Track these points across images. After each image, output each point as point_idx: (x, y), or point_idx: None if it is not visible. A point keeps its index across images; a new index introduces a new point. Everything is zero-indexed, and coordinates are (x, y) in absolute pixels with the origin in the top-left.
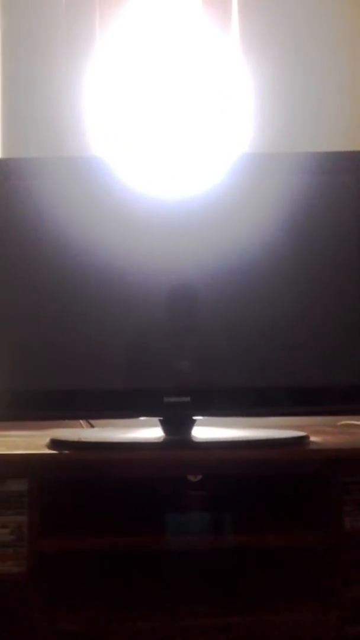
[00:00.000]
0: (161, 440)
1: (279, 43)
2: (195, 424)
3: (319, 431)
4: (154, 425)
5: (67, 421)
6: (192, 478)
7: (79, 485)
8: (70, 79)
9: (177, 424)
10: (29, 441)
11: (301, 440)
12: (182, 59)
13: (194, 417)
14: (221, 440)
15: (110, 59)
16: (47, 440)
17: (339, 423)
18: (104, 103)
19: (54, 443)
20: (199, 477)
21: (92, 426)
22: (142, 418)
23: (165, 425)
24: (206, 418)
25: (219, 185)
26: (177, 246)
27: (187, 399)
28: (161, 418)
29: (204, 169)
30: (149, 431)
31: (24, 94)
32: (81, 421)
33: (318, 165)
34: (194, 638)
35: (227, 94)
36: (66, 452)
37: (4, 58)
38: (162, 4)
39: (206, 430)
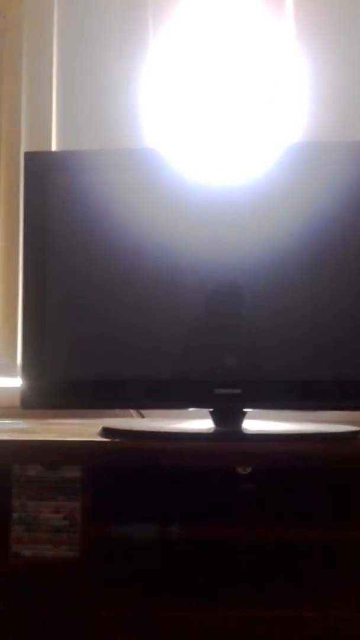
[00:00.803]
0: (212, 431)
1: (335, 28)
2: (245, 416)
3: None
4: (205, 418)
5: (117, 412)
6: (242, 470)
7: (131, 473)
8: (124, 71)
9: (228, 416)
10: (81, 429)
11: (354, 435)
12: (235, 47)
13: (245, 410)
14: (272, 432)
15: (164, 49)
16: (99, 428)
17: None
18: (158, 94)
19: (106, 431)
20: (249, 469)
21: (142, 416)
22: (192, 410)
23: (215, 416)
24: (257, 411)
25: (274, 177)
26: (231, 238)
27: (238, 390)
28: (211, 409)
29: (259, 160)
30: (200, 422)
31: (78, 87)
32: (132, 411)
33: None
34: (239, 628)
35: (282, 82)
36: (118, 440)
37: (59, 52)
38: None
39: (257, 423)
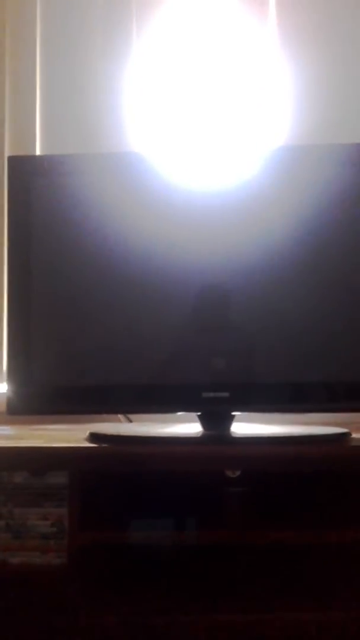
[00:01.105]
0: (200, 435)
1: (318, 31)
2: (234, 419)
3: None
4: (193, 422)
5: (105, 416)
6: (230, 474)
7: (119, 479)
8: (109, 73)
9: (216, 420)
10: (68, 435)
11: (342, 437)
12: (219, 51)
13: (233, 413)
14: (260, 436)
15: (148, 53)
16: (87, 433)
17: None
18: (143, 98)
19: (94, 436)
20: (238, 473)
21: (130, 421)
22: (180, 414)
23: (203, 420)
24: (245, 414)
25: (258, 180)
26: (217, 241)
27: (226, 394)
28: (199, 413)
29: (243, 163)
30: (188, 426)
31: (62, 90)
32: (119, 416)
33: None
34: (237, 634)
35: (266, 85)
36: (105, 445)
37: (42, 55)
38: None
39: (245, 426)
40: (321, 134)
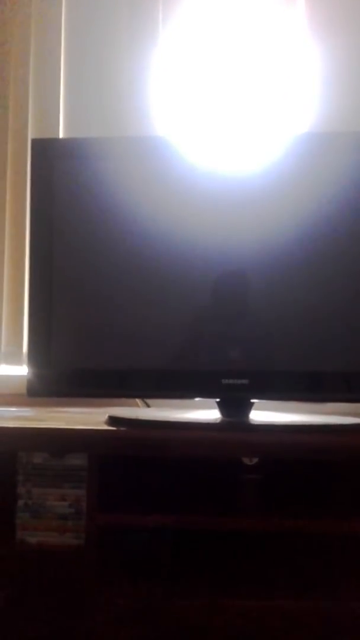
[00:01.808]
0: (218, 421)
1: (347, 16)
2: (253, 407)
3: None
4: (211, 408)
5: (123, 401)
6: (248, 461)
7: (137, 462)
8: (133, 58)
9: (235, 406)
10: (87, 417)
11: None
12: (246, 36)
13: (252, 400)
14: (279, 423)
15: (174, 36)
16: (105, 417)
17: None
18: (167, 82)
19: (113, 420)
20: (255, 460)
21: (148, 406)
22: (198, 400)
23: (222, 407)
24: (264, 402)
25: (282, 166)
26: (238, 226)
27: (245, 381)
28: (218, 400)
29: (269, 149)
30: (206, 412)
31: (86, 74)
32: (138, 401)
33: None
34: (244, 618)
35: (293, 71)
36: (124, 429)
37: (67, 39)
38: None
39: (264, 414)
40: (348, 121)
